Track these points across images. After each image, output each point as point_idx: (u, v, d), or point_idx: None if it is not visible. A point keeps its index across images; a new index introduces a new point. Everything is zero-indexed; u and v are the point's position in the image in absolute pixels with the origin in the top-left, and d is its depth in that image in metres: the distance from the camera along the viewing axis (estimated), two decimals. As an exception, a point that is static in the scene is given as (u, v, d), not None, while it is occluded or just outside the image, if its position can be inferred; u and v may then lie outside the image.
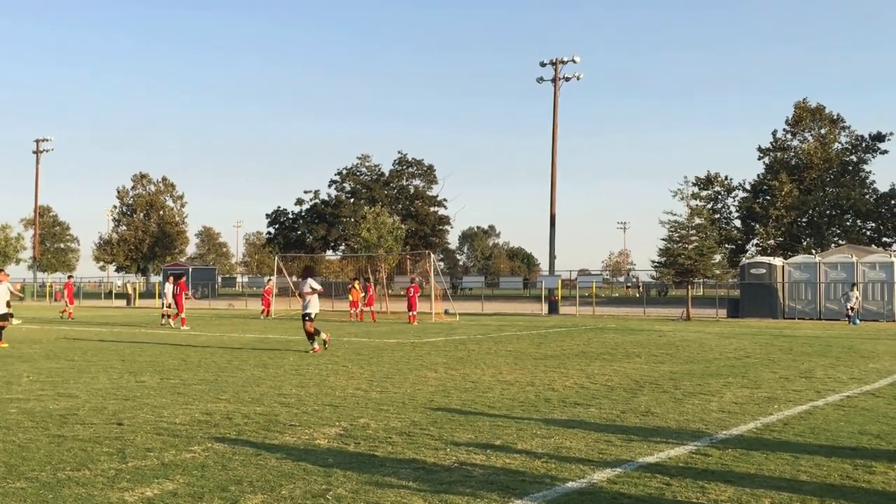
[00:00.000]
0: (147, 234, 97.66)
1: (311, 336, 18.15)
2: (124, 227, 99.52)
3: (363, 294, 34.42)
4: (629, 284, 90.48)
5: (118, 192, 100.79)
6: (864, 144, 62.13)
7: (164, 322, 29.05)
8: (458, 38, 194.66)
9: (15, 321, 29.42)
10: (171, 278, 30.16)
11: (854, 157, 62.38)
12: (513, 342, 21.53)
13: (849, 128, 62.82)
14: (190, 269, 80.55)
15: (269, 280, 40.94)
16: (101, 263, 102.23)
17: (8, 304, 18.86)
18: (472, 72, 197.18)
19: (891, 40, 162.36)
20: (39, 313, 40.14)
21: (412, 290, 32.46)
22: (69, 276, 41.16)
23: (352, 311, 33.93)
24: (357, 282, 36.04)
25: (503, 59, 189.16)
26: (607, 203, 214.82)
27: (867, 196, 59.83)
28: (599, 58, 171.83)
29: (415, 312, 32.06)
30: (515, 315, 40.34)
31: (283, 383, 12.53)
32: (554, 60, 57.44)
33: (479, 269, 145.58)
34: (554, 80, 57.38)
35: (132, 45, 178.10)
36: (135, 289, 59.43)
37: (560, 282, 51.31)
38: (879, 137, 61.57)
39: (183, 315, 28.20)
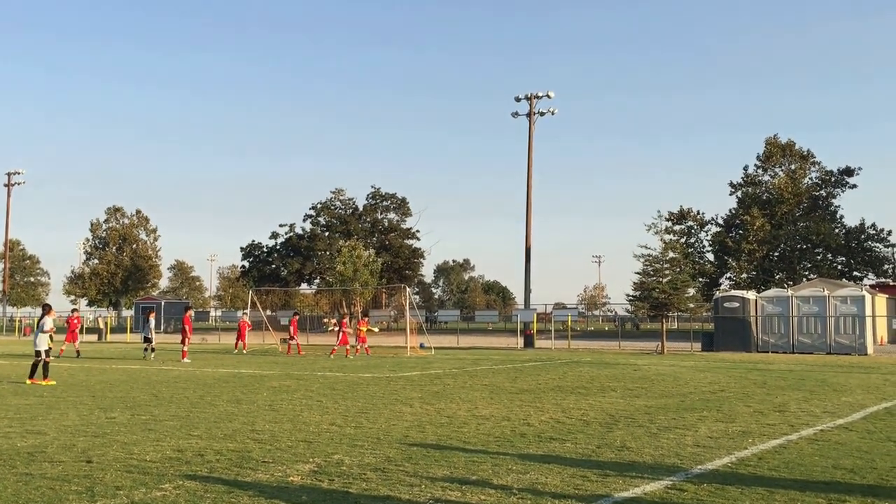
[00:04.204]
0: (120, 268, 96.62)
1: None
2: (96, 261, 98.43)
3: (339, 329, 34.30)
4: (609, 318, 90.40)
5: (91, 224, 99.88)
6: (833, 179, 63.16)
7: (144, 356, 29.36)
8: (432, 73, 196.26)
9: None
10: (152, 313, 31.41)
11: (824, 192, 63.39)
12: (488, 376, 21.46)
13: (819, 163, 63.93)
14: (162, 303, 79.79)
15: (244, 314, 40.56)
16: (73, 297, 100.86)
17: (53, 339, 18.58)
18: (446, 106, 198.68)
19: (857, 77, 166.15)
20: (8, 348, 39.44)
21: (342, 324, 33.54)
22: (73, 310, 37.27)
23: (358, 347, 33.26)
24: (350, 318, 36.12)
25: (478, 93, 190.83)
26: (582, 237, 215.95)
27: (837, 231, 60.67)
28: (574, 94, 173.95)
29: (338, 347, 32.21)
30: (491, 349, 40.26)
31: (256, 419, 12.38)
32: (529, 95, 58.03)
33: (454, 302, 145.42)
34: (529, 115, 57.92)
35: (104, 81, 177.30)
36: (106, 323, 58.64)
37: (536, 315, 51.28)
38: (848, 172, 62.63)
39: (184, 348, 28.66)
